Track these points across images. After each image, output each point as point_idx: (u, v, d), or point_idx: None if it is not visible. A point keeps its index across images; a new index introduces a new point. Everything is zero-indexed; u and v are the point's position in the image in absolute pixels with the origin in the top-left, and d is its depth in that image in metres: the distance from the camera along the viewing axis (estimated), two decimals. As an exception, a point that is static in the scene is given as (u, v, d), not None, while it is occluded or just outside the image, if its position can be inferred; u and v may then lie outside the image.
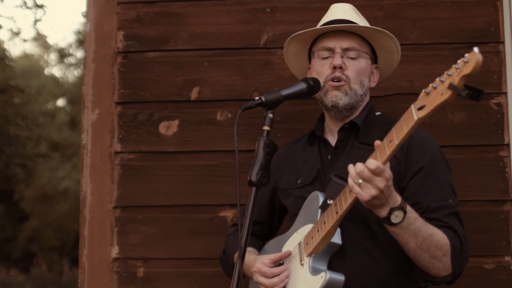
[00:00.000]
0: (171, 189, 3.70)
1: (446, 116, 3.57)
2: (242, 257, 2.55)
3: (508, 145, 3.54)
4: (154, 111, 3.74)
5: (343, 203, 2.61)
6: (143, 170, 3.72)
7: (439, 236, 2.62)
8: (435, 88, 2.26)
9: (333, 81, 2.94)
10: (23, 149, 20.04)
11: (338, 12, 3.09)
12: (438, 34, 3.62)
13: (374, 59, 3.07)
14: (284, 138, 3.48)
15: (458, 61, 2.20)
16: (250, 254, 3.01)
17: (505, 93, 3.56)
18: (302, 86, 2.88)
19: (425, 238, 2.58)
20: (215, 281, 3.56)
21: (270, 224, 3.26)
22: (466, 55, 2.18)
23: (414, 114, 2.32)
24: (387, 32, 2.99)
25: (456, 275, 2.68)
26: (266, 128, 2.70)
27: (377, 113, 3.04)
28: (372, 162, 2.42)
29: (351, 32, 2.99)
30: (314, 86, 2.89)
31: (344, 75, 2.93)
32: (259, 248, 3.14)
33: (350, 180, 2.48)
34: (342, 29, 2.99)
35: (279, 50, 3.68)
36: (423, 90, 2.31)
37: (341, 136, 2.98)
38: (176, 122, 3.73)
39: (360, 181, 2.44)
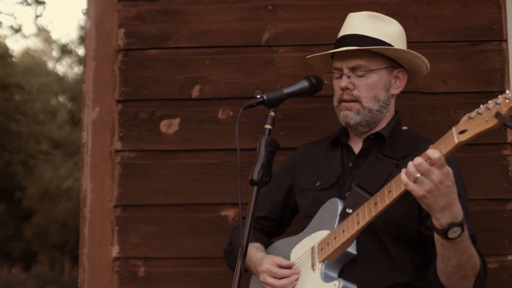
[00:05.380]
0: (172, 188, 3.68)
1: (449, 114, 3.55)
2: (244, 255, 2.54)
3: (511, 143, 3.52)
4: (155, 109, 3.73)
5: (366, 215, 2.59)
6: (144, 168, 3.71)
7: (477, 257, 2.60)
8: (480, 114, 2.24)
9: (343, 102, 2.93)
10: (24, 146, 20.04)
11: (350, 25, 3.02)
12: (441, 32, 3.61)
13: (398, 64, 2.99)
14: (286, 136, 3.47)
15: (507, 91, 2.20)
16: (258, 252, 3.00)
17: (508, 92, 3.55)
18: (304, 84, 2.87)
19: (468, 257, 2.55)
20: (217, 281, 3.55)
21: (281, 222, 3.23)
22: None
23: (455, 137, 2.30)
24: (386, 47, 2.92)
25: None
26: (267, 126, 2.69)
27: (403, 128, 3.02)
28: (434, 152, 2.36)
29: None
30: (316, 84, 2.88)
31: (354, 95, 2.91)
32: (266, 245, 3.11)
33: (404, 176, 2.43)
34: (340, 51, 2.95)
35: (281, 48, 3.67)
36: (466, 114, 2.29)
37: (365, 145, 2.96)
38: (177, 120, 3.71)
39: (418, 175, 2.38)
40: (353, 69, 2.92)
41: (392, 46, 2.94)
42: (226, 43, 3.73)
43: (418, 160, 2.38)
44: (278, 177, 3.19)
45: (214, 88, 3.70)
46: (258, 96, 2.73)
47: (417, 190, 2.40)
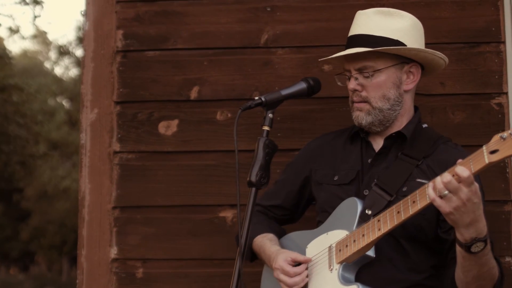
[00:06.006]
0: (170, 189, 3.68)
1: (447, 116, 3.55)
2: (242, 255, 2.55)
3: (509, 145, 3.52)
4: (154, 111, 3.73)
5: (388, 223, 2.59)
6: (142, 170, 3.70)
7: (496, 268, 2.61)
8: None
9: (354, 103, 2.93)
10: (22, 148, 20.02)
11: (357, 25, 2.98)
12: (439, 34, 3.60)
13: (409, 59, 2.94)
14: (284, 138, 3.47)
15: None
16: (272, 244, 2.99)
17: (506, 93, 3.55)
18: (302, 86, 2.87)
19: (489, 269, 2.56)
20: (215, 282, 3.55)
21: (295, 211, 3.22)
22: None
23: (485, 157, 2.29)
24: (387, 48, 2.88)
25: None
26: (266, 128, 2.70)
27: (424, 125, 3.00)
28: (463, 170, 2.35)
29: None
30: (314, 86, 2.88)
31: (362, 97, 2.90)
32: (280, 234, 3.11)
33: (431, 192, 2.42)
34: (339, 56, 2.95)
35: (279, 50, 3.67)
36: (498, 135, 2.27)
37: (386, 143, 2.94)
38: (176, 121, 3.71)
39: (446, 192, 2.38)
40: (359, 70, 2.90)
41: (400, 42, 2.89)
42: (225, 45, 3.73)
43: (447, 177, 2.37)
44: (295, 167, 3.19)
45: (212, 89, 3.70)
46: (256, 98, 2.73)
47: (444, 207, 2.40)
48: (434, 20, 3.61)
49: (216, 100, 3.70)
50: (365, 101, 2.90)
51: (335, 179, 2.98)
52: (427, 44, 3.58)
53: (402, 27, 2.93)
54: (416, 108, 3.04)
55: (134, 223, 3.68)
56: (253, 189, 2.61)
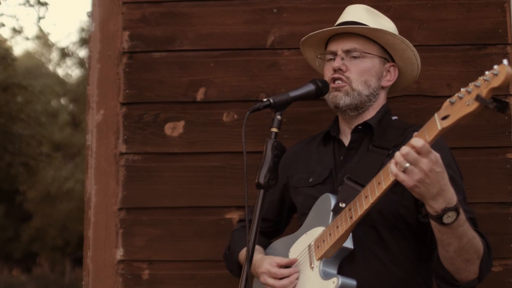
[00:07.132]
0: (176, 190, 3.68)
1: (453, 118, 3.54)
2: (250, 259, 2.54)
3: (515, 147, 3.52)
4: (160, 112, 3.73)
5: (358, 209, 2.57)
6: (148, 171, 3.70)
7: (478, 239, 2.56)
8: (460, 98, 2.21)
9: (334, 82, 2.93)
10: (26, 148, 19.99)
11: (349, 14, 3.06)
12: (445, 36, 3.61)
13: (391, 58, 3.02)
14: (291, 139, 3.46)
15: (487, 72, 2.15)
16: (257, 253, 2.97)
17: (512, 95, 3.55)
18: (310, 87, 2.86)
19: (469, 240, 2.51)
20: (221, 284, 3.55)
21: (278, 222, 3.23)
22: (495, 67, 2.13)
23: (438, 124, 2.27)
24: (384, 30, 2.94)
25: (480, 280, 2.62)
26: (274, 130, 2.68)
27: (393, 117, 3.00)
28: (417, 140, 2.32)
29: (356, 34, 2.96)
30: (322, 87, 2.87)
31: (344, 76, 2.91)
32: (265, 246, 3.11)
33: (393, 167, 2.39)
34: (338, 31, 2.99)
35: (285, 51, 3.67)
36: (448, 100, 2.26)
37: (354, 137, 2.95)
38: (182, 123, 3.71)
39: (407, 165, 2.35)
40: (347, 52, 2.94)
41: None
42: (231, 46, 3.73)
43: (405, 149, 2.35)
44: None
45: (218, 91, 3.70)
46: (265, 100, 2.72)
47: (408, 180, 2.37)
48: (440, 22, 3.62)
49: (222, 102, 3.70)
50: (346, 82, 2.92)
51: (310, 181, 3.00)
52: (434, 46, 3.61)
53: (390, 27, 3.02)
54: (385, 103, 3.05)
55: (140, 225, 3.68)
56: (261, 191, 2.61)
